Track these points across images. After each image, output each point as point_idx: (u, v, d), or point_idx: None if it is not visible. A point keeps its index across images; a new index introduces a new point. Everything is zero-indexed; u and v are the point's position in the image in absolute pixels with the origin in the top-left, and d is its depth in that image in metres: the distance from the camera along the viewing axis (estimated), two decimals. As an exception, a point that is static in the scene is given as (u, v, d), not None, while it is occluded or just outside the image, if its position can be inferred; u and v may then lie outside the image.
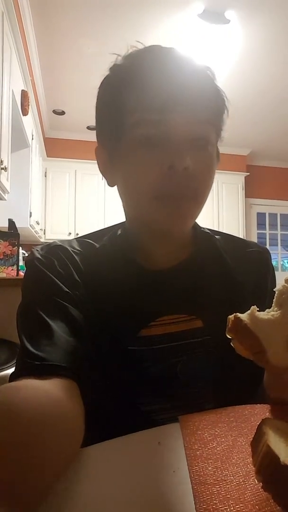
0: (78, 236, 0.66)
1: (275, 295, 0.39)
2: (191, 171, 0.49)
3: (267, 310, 0.39)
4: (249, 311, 0.38)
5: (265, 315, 0.38)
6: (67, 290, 0.53)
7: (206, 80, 0.51)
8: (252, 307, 0.38)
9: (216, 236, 0.66)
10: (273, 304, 0.39)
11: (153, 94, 0.48)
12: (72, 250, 0.58)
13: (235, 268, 0.63)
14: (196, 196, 0.52)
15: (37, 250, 0.58)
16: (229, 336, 0.38)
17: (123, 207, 0.61)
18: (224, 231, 0.70)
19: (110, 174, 0.58)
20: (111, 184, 0.59)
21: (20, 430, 0.29)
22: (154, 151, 0.49)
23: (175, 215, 0.51)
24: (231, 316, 0.38)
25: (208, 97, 0.50)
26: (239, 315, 0.37)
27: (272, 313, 0.38)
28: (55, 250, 0.57)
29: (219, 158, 0.57)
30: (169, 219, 0.52)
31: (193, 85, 0.49)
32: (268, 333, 0.36)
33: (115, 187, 0.59)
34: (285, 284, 0.39)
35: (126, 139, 0.51)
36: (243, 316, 0.37)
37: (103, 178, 0.59)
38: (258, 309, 0.38)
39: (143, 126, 0.49)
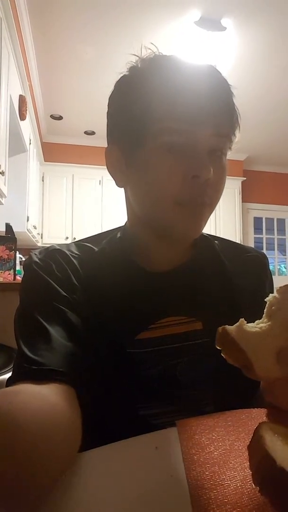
0: (77, 240, 0.66)
1: (266, 306, 0.39)
2: (211, 180, 0.51)
3: (256, 321, 0.38)
4: (237, 323, 0.37)
5: (253, 327, 0.38)
6: (65, 294, 0.53)
7: (229, 94, 0.53)
8: (241, 319, 0.38)
9: (215, 241, 0.67)
10: (263, 315, 0.39)
11: (183, 105, 0.49)
12: (70, 254, 0.59)
13: (234, 272, 0.63)
14: (212, 203, 0.55)
15: (35, 254, 0.58)
16: (218, 348, 0.38)
17: (130, 209, 0.61)
18: (221, 236, 0.71)
19: (122, 175, 0.58)
20: (120, 185, 0.59)
21: (18, 435, 0.28)
22: (179, 159, 0.51)
23: (194, 220, 0.54)
24: (220, 328, 0.38)
25: (230, 112, 0.52)
26: (227, 327, 0.37)
27: (261, 325, 0.38)
28: (53, 254, 0.57)
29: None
30: (187, 223, 0.54)
31: (219, 99, 0.51)
32: (255, 346, 0.36)
33: (114, 189, 0.59)
34: (276, 295, 0.38)
35: (150, 145, 0.52)
36: (231, 329, 0.37)
37: (113, 178, 0.59)
38: (246, 321, 0.38)
39: (171, 134, 0.50)
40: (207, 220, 0.56)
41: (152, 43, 0.55)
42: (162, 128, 0.50)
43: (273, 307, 0.38)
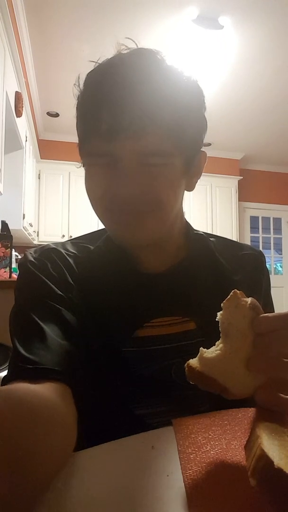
0: (73, 237, 0.66)
1: (219, 326, 0.38)
2: (135, 192, 0.49)
3: (216, 343, 0.38)
4: (198, 354, 0.37)
5: (214, 351, 0.37)
6: (61, 293, 0.52)
7: (158, 98, 0.48)
8: (200, 348, 0.37)
9: (211, 239, 0.67)
10: (220, 336, 0.38)
11: (95, 125, 0.49)
12: (66, 253, 0.59)
13: (230, 270, 0.63)
14: (152, 210, 0.51)
15: (30, 253, 0.58)
16: (192, 383, 0.37)
17: None
18: (217, 234, 0.71)
19: None
20: None
21: (13, 433, 0.28)
22: (101, 173, 0.51)
23: (129, 228, 0.52)
24: (185, 365, 0.37)
25: (158, 119, 0.48)
26: (191, 362, 0.37)
27: (220, 345, 0.38)
28: (48, 253, 0.57)
29: (192, 164, 0.56)
30: (123, 231, 0.53)
31: (136, 110, 0.47)
32: (222, 369, 0.36)
33: None
34: (222, 312, 0.38)
35: (83, 163, 0.54)
36: (194, 362, 0.37)
37: None
38: (205, 349, 0.37)
39: (92, 156, 0.52)
40: (158, 225, 0.53)
41: (128, 38, 0.54)
42: (84, 150, 0.52)
43: (224, 324, 0.38)
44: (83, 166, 0.55)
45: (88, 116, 0.50)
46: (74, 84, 0.52)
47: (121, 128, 0.47)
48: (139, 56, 0.50)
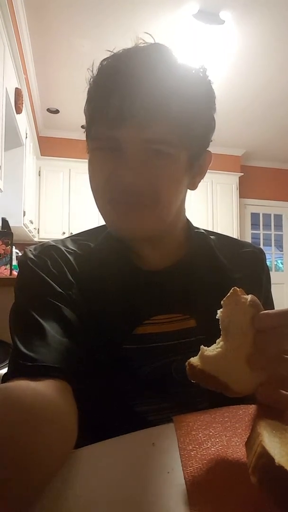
0: (73, 234, 0.66)
1: (220, 324, 0.38)
2: (137, 181, 0.49)
3: (217, 340, 0.38)
4: (199, 353, 0.37)
5: (214, 349, 0.37)
6: (60, 291, 0.52)
7: (168, 91, 0.49)
8: (201, 347, 0.37)
9: (211, 236, 0.67)
10: (221, 333, 0.39)
11: (104, 109, 0.49)
12: (65, 250, 0.58)
13: (230, 268, 0.63)
14: (152, 202, 0.51)
15: (30, 250, 0.58)
16: (193, 381, 0.37)
17: None
18: (218, 231, 0.71)
19: None
20: None
21: (13, 430, 0.28)
22: (106, 158, 0.52)
23: (125, 219, 0.52)
24: (186, 363, 0.37)
25: (166, 110, 0.48)
26: (192, 361, 0.37)
27: (221, 343, 0.38)
28: (48, 250, 0.57)
29: (196, 160, 0.56)
30: (119, 222, 0.53)
31: (145, 100, 0.47)
32: (223, 367, 0.36)
33: None
34: (222, 310, 0.38)
35: (89, 147, 0.54)
36: (195, 361, 0.37)
37: None
38: (206, 347, 0.38)
39: (98, 140, 0.52)
40: (152, 220, 0.53)
41: (147, 33, 0.54)
42: (92, 134, 0.53)
43: (225, 321, 0.38)
44: (88, 152, 0.55)
45: (97, 101, 0.51)
46: (88, 69, 0.53)
47: (128, 116, 0.48)
48: (154, 50, 0.51)
